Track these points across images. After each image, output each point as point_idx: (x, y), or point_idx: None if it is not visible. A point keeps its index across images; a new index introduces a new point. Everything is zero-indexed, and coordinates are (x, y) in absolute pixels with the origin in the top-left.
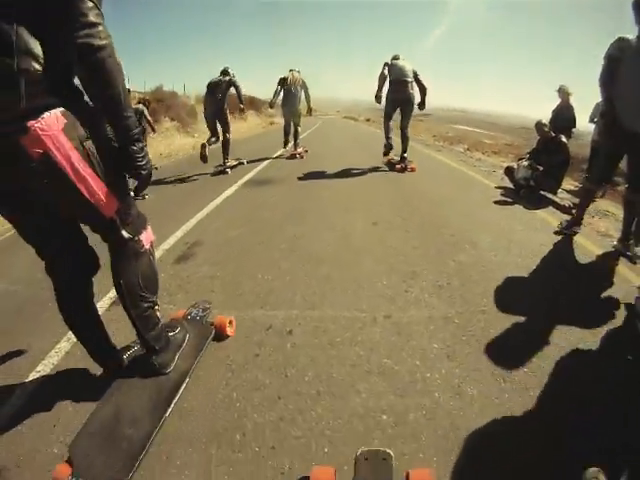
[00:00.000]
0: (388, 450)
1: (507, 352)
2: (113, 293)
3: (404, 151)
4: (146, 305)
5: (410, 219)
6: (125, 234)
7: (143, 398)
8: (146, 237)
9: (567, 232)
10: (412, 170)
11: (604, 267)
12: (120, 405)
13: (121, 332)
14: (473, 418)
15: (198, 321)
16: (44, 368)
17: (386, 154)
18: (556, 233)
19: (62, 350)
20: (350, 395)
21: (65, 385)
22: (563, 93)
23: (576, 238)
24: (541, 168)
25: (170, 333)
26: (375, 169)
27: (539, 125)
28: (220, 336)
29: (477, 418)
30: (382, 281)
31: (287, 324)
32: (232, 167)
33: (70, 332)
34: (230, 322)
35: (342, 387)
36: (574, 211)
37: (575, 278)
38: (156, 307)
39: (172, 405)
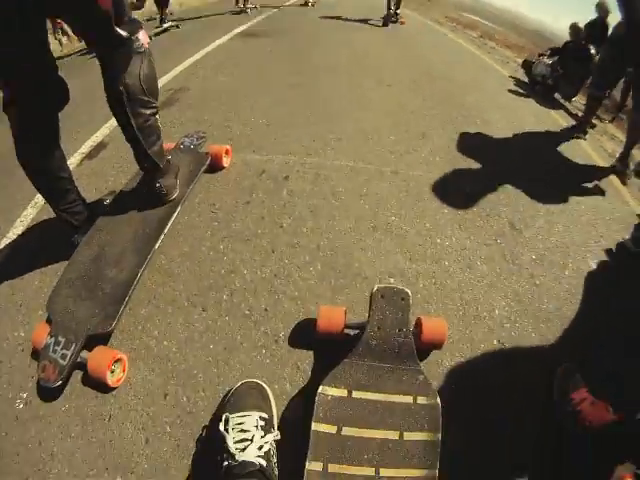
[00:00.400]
0: (406, 289)
1: (517, 233)
2: (85, 148)
3: (397, 8)
4: (149, 112)
5: (424, 89)
6: (122, 32)
7: (128, 234)
8: (143, 36)
9: (571, 135)
10: (402, 23)
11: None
12: (102, 245)
13: (92, 186)
14: (482, 295)
15: (192, 150)
16: (7, 241)
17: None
18: (561, 131)
19: (28, 217)
20: (354, 252)
21: (31, 256)
22: (602, 9)
23: (584, 147)
24: (561, 71)
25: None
26: (377, 26)
27: (575, 28)
28: (215, 167)
29: (485, 295)
30: (390, 136)
31: (283, 170)
32: (250, 9)
33: (36, 197)
34: (227, 152)
35: (345, 242)
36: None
37: (580, 175)
38: (157, 116)
39: (160, 239)
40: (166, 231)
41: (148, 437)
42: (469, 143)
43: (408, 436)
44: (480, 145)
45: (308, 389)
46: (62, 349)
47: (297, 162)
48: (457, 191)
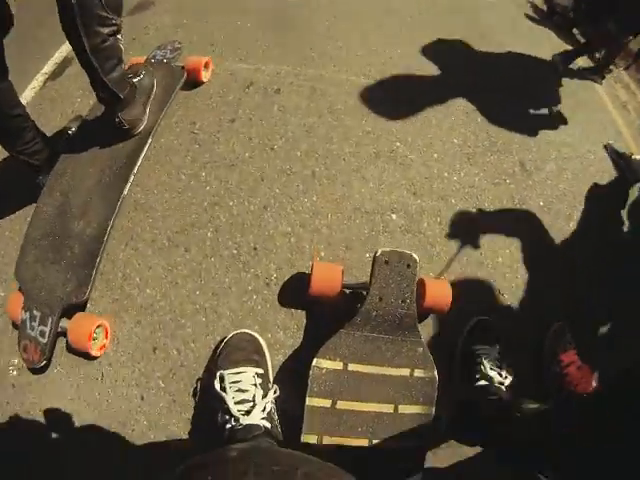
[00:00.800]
0: (414, 255)
1: (527, 175)
2: (48, 67)
3: None
4: (107, 31)
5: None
6: None
7: (93, 176)
8: None
9: (587, 76)
10: None
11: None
12: (66, 193)
13: (57, 112)
14: (487, 241)
15: (165, 64)
16: None
17: None
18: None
19: None
20: (354, 182)
21: None
22: None
23: (600, 93)
24: (584, 7)
25: (134, 79)
26: None
27: None
28: (193, 82)
29: (488, 244)
30: (397, 49)
31: (274, 82)
32: None
33: None
34: (206, 65)
35: (344, 170)
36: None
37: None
38: (119, 36)
39: (131, 178)
40: (136, 170)
41: (142, 394)
42: (484, 68)
43: (403, 409)
44: (495, 70)
45: (302, 339)
46: (39, 325)
47: (290, 73)
48: (469, 119)
